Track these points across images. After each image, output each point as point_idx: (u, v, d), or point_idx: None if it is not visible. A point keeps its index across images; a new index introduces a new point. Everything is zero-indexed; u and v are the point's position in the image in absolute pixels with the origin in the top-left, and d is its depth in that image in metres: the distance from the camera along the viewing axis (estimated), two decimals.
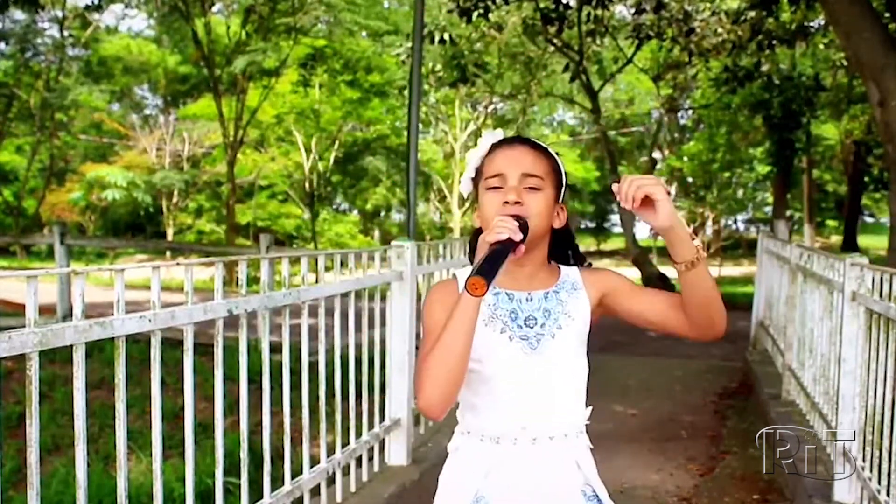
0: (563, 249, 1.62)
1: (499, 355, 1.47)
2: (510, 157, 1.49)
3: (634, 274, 16.51)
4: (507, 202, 1.46)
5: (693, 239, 1.43)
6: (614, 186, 1.38)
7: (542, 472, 1.48)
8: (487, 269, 1.33)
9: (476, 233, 1.59)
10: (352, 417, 3.38)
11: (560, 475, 1.50)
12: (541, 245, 1.53)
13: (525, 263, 1.51)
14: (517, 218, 1.42)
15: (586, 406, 1.57)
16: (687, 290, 1.45)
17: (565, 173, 1.56)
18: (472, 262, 1.55)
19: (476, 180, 1.56)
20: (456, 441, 1.56)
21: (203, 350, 2.92)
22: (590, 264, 1.64)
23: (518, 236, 1.38)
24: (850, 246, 23.40)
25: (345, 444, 3.31)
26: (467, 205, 20.62)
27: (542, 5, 12.56)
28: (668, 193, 1.35)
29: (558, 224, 1.56)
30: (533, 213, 1.46)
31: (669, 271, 16.77)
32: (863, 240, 26.19)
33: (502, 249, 1.36)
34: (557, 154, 1.55)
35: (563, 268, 1.60)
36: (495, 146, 1.54)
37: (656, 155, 21.78)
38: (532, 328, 1.51)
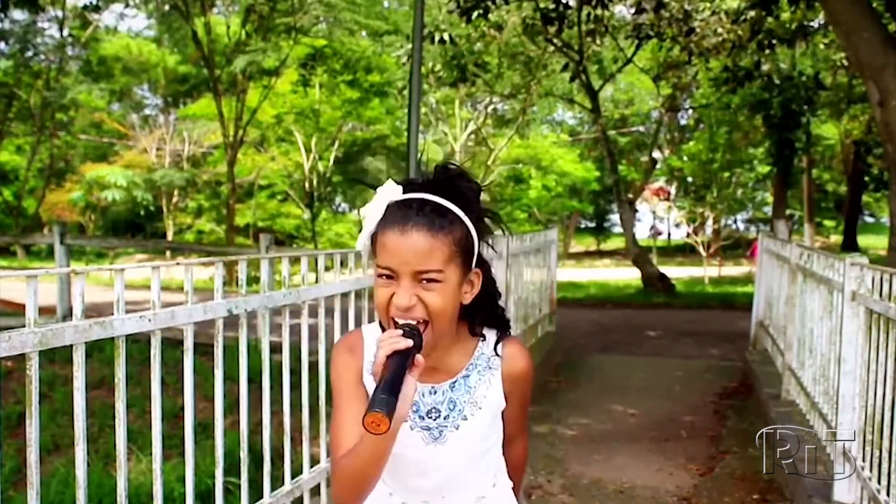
0: (482, 311, 1.44)
1: (401, 440, 1.33)
2: (402, 251, 1.27)
3: (634, 274, 16.52)
4: (394, 318, 1.29)
5: None
6: None
7: None
8: (386, 399, 1.15)
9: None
10: None
11: None
12: (447, 333, 1.36)
13: (438, 356, 1.37)
14: (408, 328, 1.27)
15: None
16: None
17: (477, 233, 1.34)
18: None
19: (373, 248, 1.35)
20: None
21: (203, 350, 2.92)
22: (508, 325, 1.47)
23: (408, 344, 1.23)
24: (850, 246, 23.42)
25: None
26: None
27: (542, 5, 12.56)
28: None
29: (469, 298, 1.37)
30: (432, 312, 1.29)
31: (669, 271, 16.79)
32: (863, 239, 26.21)
33: (399, 364, 1.21)
34: (469, 205, 1.32)
35: (485, 338, 1.45)
36: (388, 222, 1.30)
37: (656, 155, 21.78)
38: (435, 419, 1.41)
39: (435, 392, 1.42)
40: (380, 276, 1.30)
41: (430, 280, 1.27)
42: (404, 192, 1.33)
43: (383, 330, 1.36)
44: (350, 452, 1.30)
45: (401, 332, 1.26)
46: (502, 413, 1.47)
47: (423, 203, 1.30)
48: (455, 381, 1.42)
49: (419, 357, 1.24)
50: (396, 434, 1.26)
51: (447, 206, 1.31)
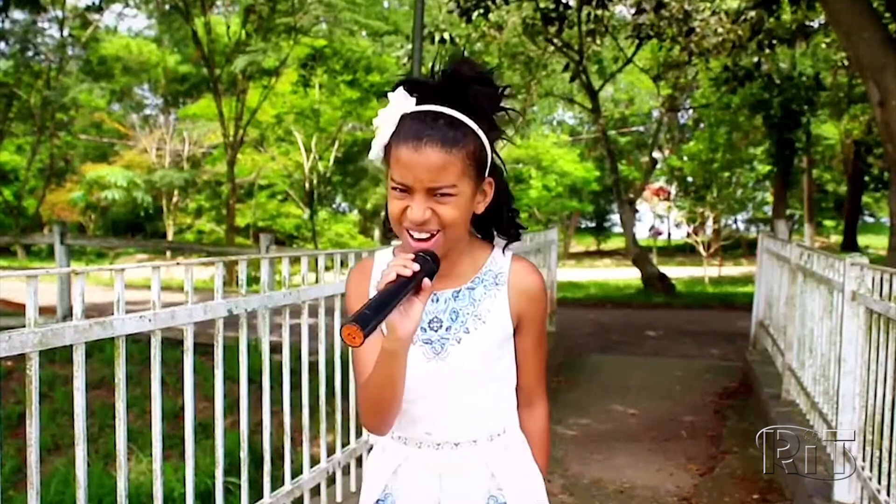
0: (494, 220, 1.42)
1: None
2: (415, 166, 1.26)
3: (634, 274, 16.52)
4: (408, 230, 1.29)
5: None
6: None
7: (447, 479, 1.40)
8: (368, 316, 1.14)
9: (387, 223, 1.40)
10: (352, 417, 3.38)
11: (465, 482, 1.40)
12: (458, 240, 1.35)
13: (447, 264, 1.34)
14: (424, 255, 1.26)
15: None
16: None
17: (490, 141, 1.33)
18: (387, 238, 1.43)
19: (386, 158, 1.34)
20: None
21: (203, 350, 2.92)
22: (518, 234, 1.43)
23: (416, 270, 1.21)
24: (850, 245, 23.42)
25: (345, 443, 3.31)
26: None
27: (542, 5, 12.56)
28: None
29: (482, 208, 1.36)
30: (445, 224, 1.29)
31: (669, 271, 16.79)
32: (863, 239, 26.22)
33: (396, 289, 1.19)
34: (482, 112, 1.31)
35: (494, 252, 1.42)
36: (401, 136, 1.29)
37: (656, 155, 21.76)
38: (436, 331, 1.37)
39: (437, 300, 1.39)
40: (393, 188, 1.30)
41: (443, 194, 1.28)
42: (417, 103, 1.33)
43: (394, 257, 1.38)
44: (367, 378, 1.32)
45: (412, 257, 1.25)
46: (515, 352, 1.42)
47: (437, 116, 1.29)
48: (459, 291, 1.39)
49: (427, 281, 1.23)
50: (404, 354, 1.25)
51: (460, 119, 1.30)
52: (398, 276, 1.20)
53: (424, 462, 1.41)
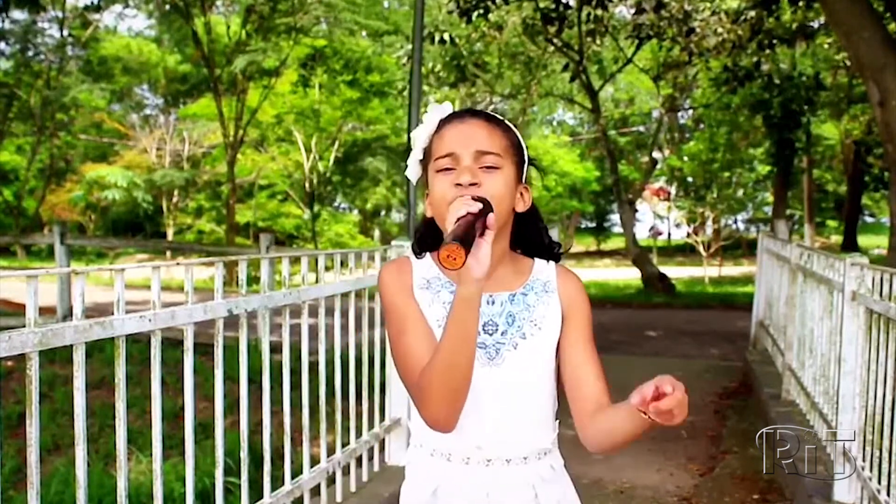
0: (530, 236, 1.41)
1: None
2: (461, 133, 1.30)
3: (634, 274, 16.52)
4: (459, 184, 1.26)
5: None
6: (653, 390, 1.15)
7: (494, 499, 1.31)
8: (462, 236, 1.11)
9: (425, 223, 1.39)
10: (352, 417, 3.38)
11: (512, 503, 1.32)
12: (502, 234, 1.32)
13: (496, 267, 1.30)
14: (477, 199, 1.23)
15: (556, 420, 1.41)
16: (616, 423, 1.27)
17: (526, 148, 1.38)
18: (418, 256, 1.39)
19: (425, 162, 1.36)
20: (410, 454, 1.40)
21: (203, 350, 2.92)
22: (561, 253, 1.43)
23: (480, 207, 1.19)
24: (850, 246, 23.43)
25: (345, 443, 3.31)
26: None
27: (542, 5, 12.57)
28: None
29: (522, 207, 1.36)
30: (493, 197, 1.25)
31: (669, 271, 16.79)
32: (863, 239, 26.22)
33: (470, 222, 1.16)
34: (516, 126, 1.38)
35: (537, 262, 1.40)
36: (444, 122, 1.34)
37: (656, 155, 21.78)
38: (491, 335, 1.31)
39: (493, 302, 1.33)
40: (439, 170, 1.30)
41: (489, 167, 1.28)
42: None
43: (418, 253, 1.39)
44: (433, 355, 1.22)
45: (470, 198, 1.21)
46: (571, 363, 1.34)
47: (478, 111, 1.35)
48: (514, 294, 1.35)
49: (491, 217, 1.18)
50: (479, 302, 1.19)
51: (500, 118, 1.36)
52: (467, 213, 1.16)
53: (471, 480, 1.31)
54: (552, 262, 1.41)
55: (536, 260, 1.40)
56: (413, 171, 1.39)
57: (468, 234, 1.13)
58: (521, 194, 1.36)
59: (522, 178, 1.35)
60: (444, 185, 1.28)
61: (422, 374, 1.24)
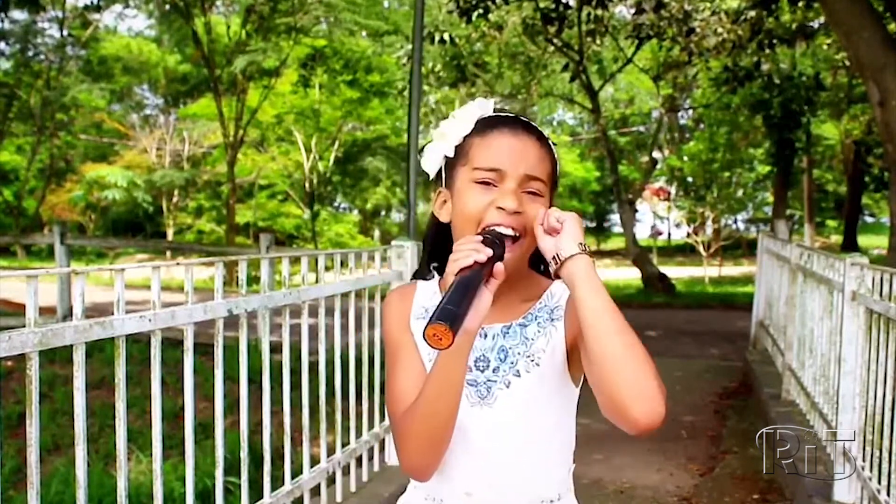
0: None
1: None
2: (513, 149, 1.16)
3: (634, 274, 16.52)
4: (502, 208, 1.14)
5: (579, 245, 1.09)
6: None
7: None
8: (453, 311, 0.98)
9: (436, 227, 1.26)
10: (352, 417, 3.38)
11: None
12: (523, 264, 1.22)
13: (502, 293, 1.13)
14: (490, 237, 1.10)
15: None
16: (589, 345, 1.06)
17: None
18: (426, 270, 1.29)
19: (453, 161, 1.21)
20: (406, 496, 1.30)
21: (203, 350, 2.92)
22: None
23: (489, 255, 1.06)
24: (850, 246, 23.42)
25: (345, 443, 3.31)
26: None
27: (542, 5, 12.57)
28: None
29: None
30: (530, 227, 1.15)
31: (669, 271, 16.79)
32: (863, 239, 26.22)
33: (471, 277, 1.04)
34: (555, 144, 1.26)
35: (556, 285, 1.23)
36: (488, 125, 1.19)
37: (656, 155, 21.78)
38: (483, 372, 1.19)
39: (485, 335, 1.21)
40: (478, 181, 1.16)
41: (533, 192, 1.16)
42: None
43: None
44: (416, 399, 1.13)
45: (480, 239, 1.08)
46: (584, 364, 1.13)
47: (530, 124, 1.21)
48: (510, 327, 1.21)
49: (499, 266, 1.06)
50: (468, 352, 1.09)
51: (547, 136, 1.23)
52: (475, 262, 1.04)
53: None
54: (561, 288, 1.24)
55: (553, 284, 1.24)
56: (432, 164, 1.24)
57: (462, 303, 1.00)
58: None
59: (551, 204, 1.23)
60: (481, 202, 1.15)
61: (402, 416, 1.16)
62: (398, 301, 1.27)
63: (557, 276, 1.11)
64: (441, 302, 0.99)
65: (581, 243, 1.09)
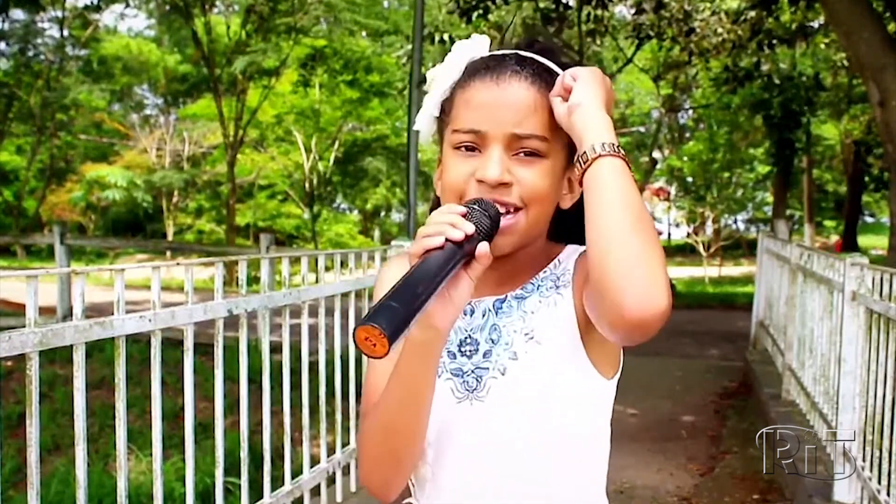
0: (570, 236, 1.00)
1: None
2: (496, 104, 0.91)
3: None
4: (481, 180, 0.90)
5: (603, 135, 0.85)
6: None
7: None
8: (395, 310, 0.74)
9: (436, 205, 1.00)
10: (352, 417, 3.38)
11: None
12: (537, 235, 0.96)
13: (503, 265, 0.93)
14: (478, 208, 0.86)
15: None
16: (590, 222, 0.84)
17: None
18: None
19: (442, 118, 0.98)
20: None
21: (203, 350, 2.92)
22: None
23: (469, 232, 0.82)
24: (850, 246, 23.42)
25: (345, 443, 3.31)
26: None
27: (542, 5, 12.57)
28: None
29: (568, 203, 0.97)
30: (528, 196, 0.91)
31: (669, 271, 16.74)
32: (863, 239, 26.21)
33: (440, 263, 0.79)
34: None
35: (568, 248, 0.99)
36: (475, 69, 0.94)
37: (656, 155, 21.76)
38: (469, 358, 0.95)
39: (472, 312, 0.96)
40: (458, 146, 0.93)
41: (529, 153, 0.91)
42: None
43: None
44: (378, 400, 0.93)
45: (463, 210, 0.85)
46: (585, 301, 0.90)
47: (524, 58, 0.95)
48: (503, 300, 0.96)
49: (483, 247, 0.83)
50: (438, 352, 0.87)
51: (553, 67, 0.96)
52: (446, 239, 0.81)
53: None
54: (581, 249, 0.96)
55: (565, 250, 1.00)
56: (425, 125, 1.01)
57: (414, 299, 0.76)
58: (570, 186, 0.96)
59: (575, 157, 0.90)
60: (461, 171, 0.92)
61: (364, 416, 0.96)
62: (396, 268, 0.96)
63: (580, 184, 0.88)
64: (385, 296, 0.76)
65: (600, 113, 0.87)
